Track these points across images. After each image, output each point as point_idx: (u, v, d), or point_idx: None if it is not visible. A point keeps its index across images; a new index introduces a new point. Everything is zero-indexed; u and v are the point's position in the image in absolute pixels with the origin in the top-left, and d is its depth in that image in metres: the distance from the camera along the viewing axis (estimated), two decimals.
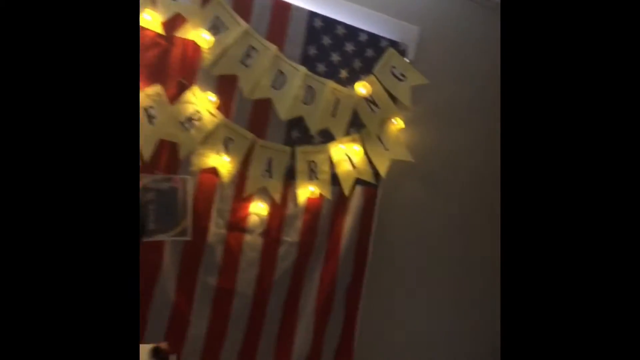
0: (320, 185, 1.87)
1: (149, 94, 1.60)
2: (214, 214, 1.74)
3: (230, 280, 1.78)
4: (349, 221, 1.92)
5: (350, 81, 1.89)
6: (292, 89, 1.79)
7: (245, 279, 1.80)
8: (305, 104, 1.82)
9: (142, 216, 1.60)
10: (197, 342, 1.74)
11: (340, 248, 1.92)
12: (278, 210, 1.83)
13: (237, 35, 1.71)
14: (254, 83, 1.75)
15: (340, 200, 1.92)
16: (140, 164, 1.60)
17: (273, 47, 1.76)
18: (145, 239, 1.61)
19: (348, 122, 1.90)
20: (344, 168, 1.91)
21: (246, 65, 1.73)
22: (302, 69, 1.80)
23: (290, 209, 1.85)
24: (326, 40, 1.85)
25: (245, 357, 1.82)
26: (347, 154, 1.91)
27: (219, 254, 1.75)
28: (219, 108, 1.71)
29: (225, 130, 1.73)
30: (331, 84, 1.85)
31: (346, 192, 1.91)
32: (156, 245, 1.65)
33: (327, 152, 1.88)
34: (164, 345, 1.30)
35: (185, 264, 1.71)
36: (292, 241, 1.86)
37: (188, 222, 1.68)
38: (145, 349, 1.29)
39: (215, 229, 1.74)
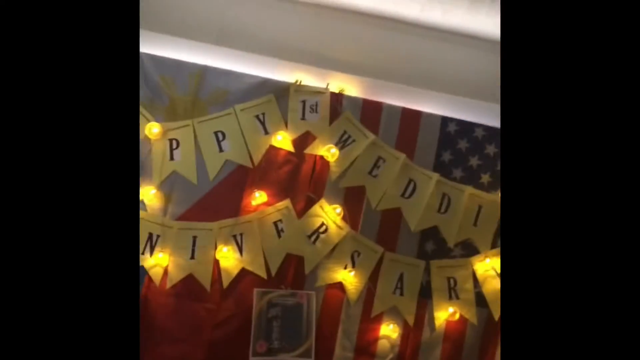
0: (462, 306, 1.61)
1: (279, 208, 1.65)
2: (339, 335, 1.61)
3: None
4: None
5: (493, 186, 1.68)
6: (424, 197, 1.66)
7: None
8: (440, 212, 1.66)
9: (267, 332, 1.57)
10: None
11: None
12: (412, 335, 1.61)
13: (365, 147, 1.69)
14: (382, 193, 1.67)
15: (489, 327, 1.61)
16: (267, 278, 1.60)
17: (402, 156, 1.68)
18: (267, 359, 1.55)
19: (494, 232, 1.66)
20: (491, 286, 1.62)
21: (374, 176, 1.68)
22: (435, 176, 1.67)
23: (426, 334, 1.62)
24: (463, 144, 1.71)
25: None
26: (494, 270, 1.63)
27: None
28: (345, 220, 1.66)
29: (353, 242, 1.65)
30: (470, 190, 1.66)
31: (496, 316, 1.60)
32: None
33: (469, 267, 1.64)
34: None
35: None
36: None
37: (312, 341, 1.58)
38: None
39: (341, 351, 1.60)
